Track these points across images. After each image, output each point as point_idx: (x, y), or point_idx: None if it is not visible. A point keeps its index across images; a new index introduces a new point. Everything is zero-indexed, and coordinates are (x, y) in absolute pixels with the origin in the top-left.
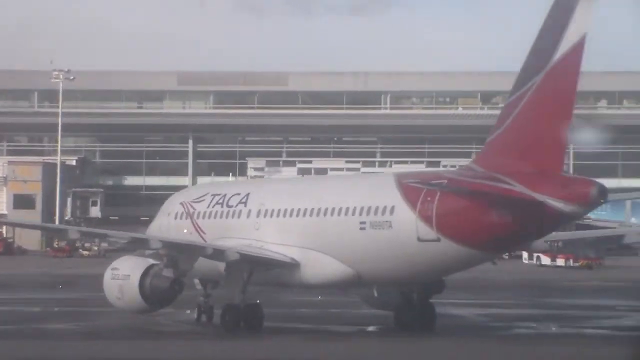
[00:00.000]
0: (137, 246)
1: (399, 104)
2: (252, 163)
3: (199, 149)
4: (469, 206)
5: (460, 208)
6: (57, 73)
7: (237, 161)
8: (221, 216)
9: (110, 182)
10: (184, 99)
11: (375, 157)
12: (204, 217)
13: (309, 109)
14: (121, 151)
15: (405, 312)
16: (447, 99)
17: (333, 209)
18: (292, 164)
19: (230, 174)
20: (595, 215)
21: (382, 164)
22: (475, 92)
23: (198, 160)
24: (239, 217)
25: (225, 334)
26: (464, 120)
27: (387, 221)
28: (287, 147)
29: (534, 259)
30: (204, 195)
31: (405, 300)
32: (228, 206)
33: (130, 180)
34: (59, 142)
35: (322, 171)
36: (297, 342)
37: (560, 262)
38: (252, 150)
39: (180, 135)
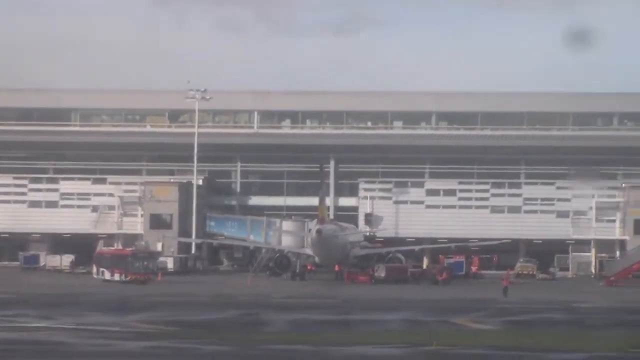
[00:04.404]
0: None
1: (89, 122)
2: None
3: None
4: None
5: None
6: None
7: None
8: None
9: None
10: None
11: (48, 173)
12: None
13: None
14: None
15: None
16: (137, 117)
17: None
18: None
19: None
20: (227, 232)
21: (52, 181)
22: (164, 111)
23: None
24: None
25: None
26: (152, 138)
27: None
28: None
29: (100, 274)
30: None
31: None
32: None
33: None
34: None
35: None
36: None
37: (117, 276)
38: None
39: None
